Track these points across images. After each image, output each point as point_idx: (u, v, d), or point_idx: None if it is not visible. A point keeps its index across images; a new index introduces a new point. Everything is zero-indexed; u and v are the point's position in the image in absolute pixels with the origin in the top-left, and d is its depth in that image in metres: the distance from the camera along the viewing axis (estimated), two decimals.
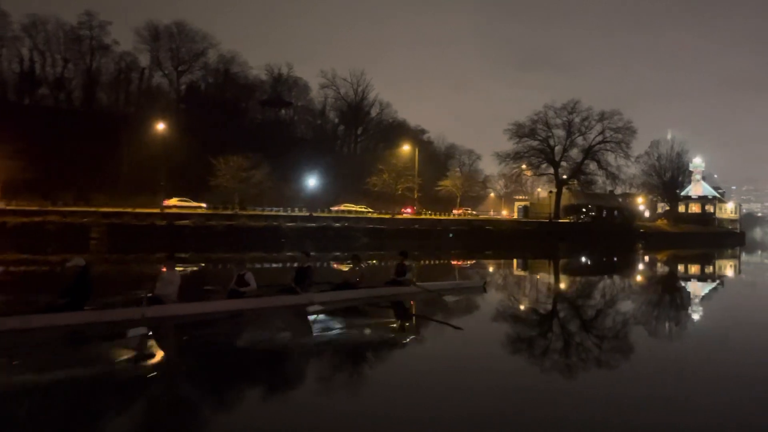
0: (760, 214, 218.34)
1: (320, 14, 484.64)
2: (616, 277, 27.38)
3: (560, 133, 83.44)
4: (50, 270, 23.47)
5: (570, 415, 6.45)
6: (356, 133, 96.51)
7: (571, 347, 10.41)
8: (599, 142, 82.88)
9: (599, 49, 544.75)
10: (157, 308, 10.72)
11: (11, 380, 7.17)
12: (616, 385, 7.81)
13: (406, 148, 75.55)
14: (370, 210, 66.81)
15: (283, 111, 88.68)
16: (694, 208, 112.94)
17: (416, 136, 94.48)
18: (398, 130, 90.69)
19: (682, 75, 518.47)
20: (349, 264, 17.74)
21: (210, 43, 79.75)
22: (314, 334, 10.45)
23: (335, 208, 64.96)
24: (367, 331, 10.85)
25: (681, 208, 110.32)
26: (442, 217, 68.65)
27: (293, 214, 54.72)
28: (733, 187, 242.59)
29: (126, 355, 8.45)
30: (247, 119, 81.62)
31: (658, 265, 38.03)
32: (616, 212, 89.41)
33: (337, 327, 11.05)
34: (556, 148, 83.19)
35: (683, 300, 18.74)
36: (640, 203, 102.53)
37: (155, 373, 7.86)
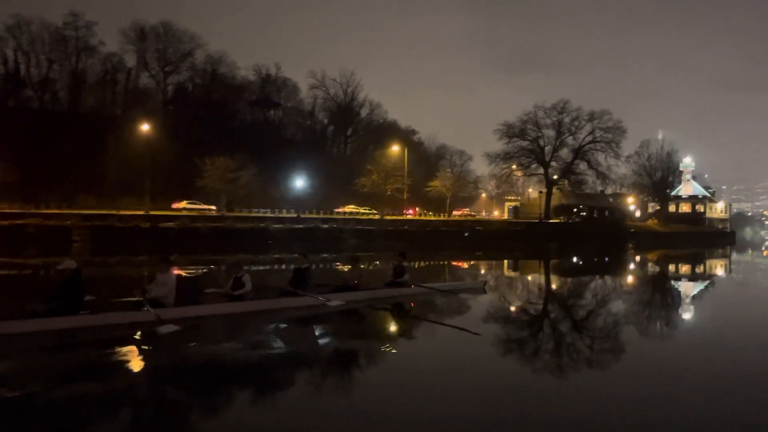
0: (750, 214, 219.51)
1: (309, 15, 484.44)
2: (610, 278, 27.25)
3: (550, 133, 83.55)
4: (33, 274, 22.90)
5: (568, 415, 6.45)
6: (346, 134, 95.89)
7: (571, 348, 10.41)
8: (589, 142, 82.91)
9: (591, 51, 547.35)
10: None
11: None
12: (614, 385, 7.82)
13: (395, 148, 75.11)
14: (374, 211, 66.86)
15: (271, 112, 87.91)
16: (685, 208, 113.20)
17: (407, 136, 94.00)
18: (389, 131, 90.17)
19: (673, 75, 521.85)
20: (347, 265, 17.25)
21: (197, 44, 79.04)
22: (318, 337, 10.45)
23: (339, 210, 65.05)
24: (368, 333, 10.91)
25: (671, 208, 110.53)
26: (432, 218, 68.29)
27: (281, 215, 54.16)
28: (724, 187, 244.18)
29: (149, 356, 8.55)
30: (235, 120, 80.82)
31: (650, 265, 37.91)
32: (606, 212, 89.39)
33: (339, 329, 11.05)
34: (546, 148, 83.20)
35: (679, 300, 18.72)
36: (631, 203, 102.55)
37: (175, 374, 7.92)
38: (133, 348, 9.04)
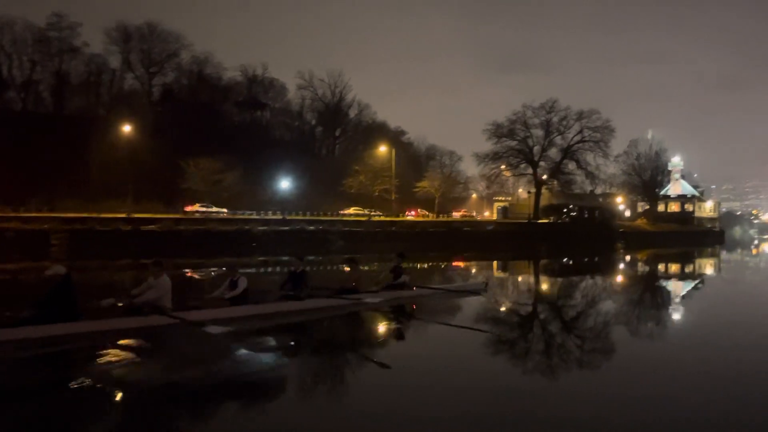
0: (739, 213, 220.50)
1: (296, 16, 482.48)
2: (601, 278, 27.23)
3: (539, 132, 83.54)
4: (12, 279, 22.30)
5: (566, 415, 6.45)
6: (335, 134, 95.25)
7: (572, 347, 10.51)
8: (578, 142, 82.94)
9: (579, 50, 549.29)
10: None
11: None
12: (609, 385, 7.86)
13: (382, 149, 74.65)
14: (379, 213, 66.75)
15: (258, 113, 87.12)
16: (674, 207, 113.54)
17: (396, 137, 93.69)
18: (378, 132, 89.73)
19: (661, 75, 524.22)
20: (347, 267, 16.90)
21: (182, 44, 78.26)
22: (319, 339, 10.40)
23: (343, 212, 64.69)
24: (369, 335, 10.98)
25: (660, 207, 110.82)
26: (420, 219, 67.92)
27: (266, 217, 53.50)
28: (713, 186, 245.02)
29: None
30: (221, 121, 79.99)
31: (640, 265, 38.02)
32: (596, 212, 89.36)
33: (340, 332, 11.07)
34: (535, 148, 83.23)
35: (669, 299, 18.82)
36: (620, 203, 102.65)
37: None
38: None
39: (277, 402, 7.01)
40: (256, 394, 7.19)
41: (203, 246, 40.93)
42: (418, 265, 29.76)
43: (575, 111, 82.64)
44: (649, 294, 20.47)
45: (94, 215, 44.54)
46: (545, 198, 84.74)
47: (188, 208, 55.41)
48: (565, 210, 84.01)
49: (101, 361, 8.21)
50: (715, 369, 8.54)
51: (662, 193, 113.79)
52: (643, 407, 6.68)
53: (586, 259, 40.80)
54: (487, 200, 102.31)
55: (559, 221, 79.72)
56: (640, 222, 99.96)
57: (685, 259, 43.60)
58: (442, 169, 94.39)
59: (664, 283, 25.73)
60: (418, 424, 6.17)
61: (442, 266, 32.11)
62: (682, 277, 28.98)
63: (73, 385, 7.16)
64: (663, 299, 18.94)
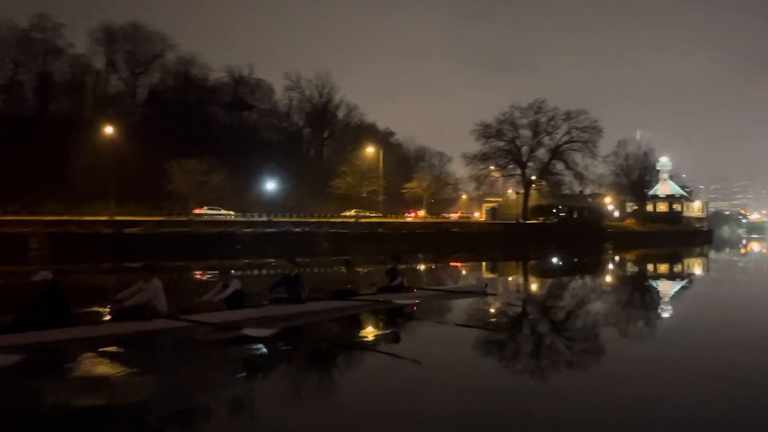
0: (727, 213, 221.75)
1: (282, 17, 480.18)
2: (593, 279, 27.13)
3: (527, 133, 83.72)
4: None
5: (562, 415, 6.40)
6: (323, 136, 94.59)
7: (570, 348, 10.48)
8: (566, 142, 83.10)
9: (567, 51, 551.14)
10: (207, 315, 10.46)
11: None
12: (602, 384, 7.83)
13: (370, 149, 74.23)
14: (380, 214, 67.21)
15: (245, 114, 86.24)
16: (662, 207, 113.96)
17: (385, 138, 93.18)
18: (366, 133, 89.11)
19: (649, 75, 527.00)
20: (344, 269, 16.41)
21: (168, 45, 77.21)
22: (321, 343, 10.19)
23: (344, 214, 64.73)
24: (374, 337, 10.88)
25: (649, 208, 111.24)
26: (407, 220, 67.57)
27: (252, 219, 52.96)
28: (701, 187, 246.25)
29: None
30: (208, 123, 79.24)
31: (630, 265, 38.11)
32: (585, 213, 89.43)
33: (342, 335, 10.98)
34: (523, 149, 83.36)
35: (659, 299, 18.93)
36: (609, 203, 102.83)
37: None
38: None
39: (278, 402, 6.98)
40: (256, 395, 7.21)
41: (186, 249, 40.35)
42: (407, 266, 29.45)
43: (563, 111, 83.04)
44: (640, 294, 20.59)
45: (75, 218, 43.82)
46: (534, 199, 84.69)
47: (196, 211, 55.36)
48: (554, 210, 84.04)
49: (94, 366, 8.12)
50: (707, 369, 8.49)
51: (651, 193, 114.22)
52: (637, 407, 6.65)
53: (575, 260, 40.75)
54: (478, 201, 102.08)
55: (548, 222, 79.65)
56: (629, 222, 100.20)
57: (673, 259, 43.58)
58: (432, 170, 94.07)
59: (654, 283, 25.77)
60: (424, 423, 6.13)
61: (434, 267, 31.84)
62: (671, 277, 29.14)
63: (67, 389, 7.12)
64: (656, 299, 18.96)
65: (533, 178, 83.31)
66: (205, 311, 10.79)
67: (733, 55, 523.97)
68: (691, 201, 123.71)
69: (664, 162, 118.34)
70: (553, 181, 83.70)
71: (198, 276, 24.96)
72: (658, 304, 17.70)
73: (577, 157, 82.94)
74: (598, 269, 33.19)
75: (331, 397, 7.22)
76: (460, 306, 14.29)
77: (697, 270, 34.48)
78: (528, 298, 18.28)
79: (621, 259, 42.62)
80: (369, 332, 11.47)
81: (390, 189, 75.43)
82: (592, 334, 11.79)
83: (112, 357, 8.56)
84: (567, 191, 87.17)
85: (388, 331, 11.44)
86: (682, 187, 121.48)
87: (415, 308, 13.38)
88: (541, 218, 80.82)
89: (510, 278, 27.12)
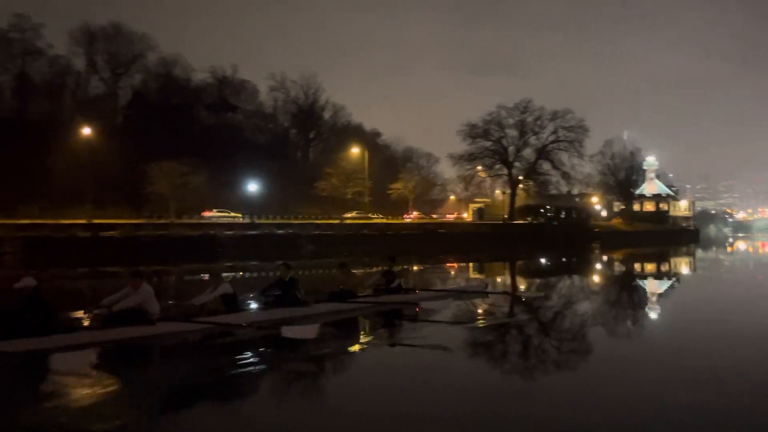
0: (714, 212, 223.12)
1: (267, 16, 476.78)
2: (582, 279, 27.27)
3: (513, 133, 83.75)
4: None
5: (566, 415, 6.40)
6: (308, 137, 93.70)
7: (575, 348, 10.54)
8: (552, 142, 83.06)
9: (554, 53, 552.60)
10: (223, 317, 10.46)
11: None
12: (596, 384, 7.85)
13: (355, 150, 73.56)
14: (380, 215, 67.23)
15: (229, 114, 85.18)
16: (649, 207, 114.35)
17: (372, 139, 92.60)
18: (353, 134, 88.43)
19: (635, 76, 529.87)
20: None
21: (149, 45, 76.03)
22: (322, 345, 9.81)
23: (345, 215, 64.57)
24: (380, 338, 11.02)
25: (636, 207, 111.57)
26: (394, 221, 66.98)
27: (233, 221, 52.10)
28: (688, 186, 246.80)
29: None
30: (191, 124, 78.17)
31: (618, 264, 38.43)
32: (573, 212, 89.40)
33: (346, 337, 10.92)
34: (510, 149, 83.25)
35: (649, 299, 19.01)
36: (596, 203, 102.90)
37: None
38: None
39: (279, 403, 7.05)
40: (257, 395, 7.31)
41: (165, 252, 39.53)
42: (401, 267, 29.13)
43: (549, 111, 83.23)
44: (630, 294, 20.82)
45: (51, 222, 42.81)
46: (522, 199, 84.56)
47: (205, 213, 54.96)
48: (542, 210, 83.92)
49: (86, 373, 7.91)
50: (695, 369, 8.46)
51: (637, 192, 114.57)
52: (632, 407, 6.66)
53: (563, 260, 40.84)
54: (466, 202, 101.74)
55: (535, 222, 79.47)
56: (616, 222, 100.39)
57: (660, 258, 43.74)
58: (420, 171, 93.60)
59: (643, 282, 25.90)
60: (425, 423, 6.14)
61: (424, 268, 31.45)
62: (659, 276, 29.35)
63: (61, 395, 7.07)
64: (646, 299, 19.01)
65: (520, 178, 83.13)
66: (202, 314, 10.61)
67: (718, 55, 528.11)
68: (678, 200, 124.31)
69: (650, 161, 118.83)
70: (540, 181, 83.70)
71: (184, 279, 24.74)
72: (647, 304, 17.64)
73: (564, 157, 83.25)
74: (586, 269, 33.30)
75: (334, 398, 7.15)
76: (463, 306, 14.29)
77: (684, 269, 34.74)
78: (528, 298, 18.06)
79: (608, 259, 42.83)
80: (372, 333, 11.56)
81: (377, 190, 74.79)
82: (590, 333, 11.97)
83: (116, 362, 8.56)
84: (554, 191, 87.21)
85: (392, 333, 11.49)
86: (669, 187, 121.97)
87: (417, 309, 13.26)
88: (528, 218, 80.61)
89: (499, 278, 26.96)
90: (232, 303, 11.16)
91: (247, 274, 27.16)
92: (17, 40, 71.32)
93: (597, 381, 8.01)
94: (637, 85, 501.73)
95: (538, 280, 25.90)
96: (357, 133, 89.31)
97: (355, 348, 10.17)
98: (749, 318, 13.47)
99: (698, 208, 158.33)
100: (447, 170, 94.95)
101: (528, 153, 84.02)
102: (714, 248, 63.80)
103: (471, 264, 36.07)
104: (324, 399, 7.17)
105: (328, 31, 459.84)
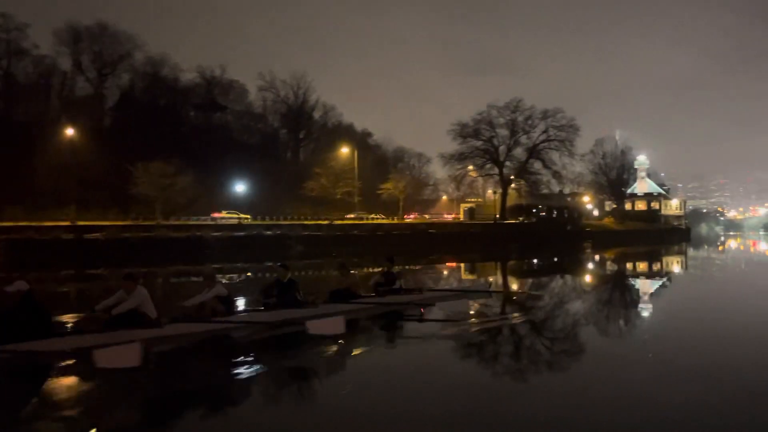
0: (705, 210, 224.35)
1: (257, 15, 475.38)
2: (576, 279, 27.11)
3: (504, 132, 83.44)
4: None
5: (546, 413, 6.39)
6: (298, 137, 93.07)
7: (582, 347, 10.38)
8: (543, 141, 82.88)
9: (546, 53, 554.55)
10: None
11: None
12: (590, 384, 7.79)
13: (344, 150, 73.06)
14: (382, 216, 67.27)
15: (218, 114, 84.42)
16: (640, 206, 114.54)
17: (363, 139, 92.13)
18: (344, 134, 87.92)
19: (627, 75, 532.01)
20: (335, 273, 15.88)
21: (135, 44, 74.88)
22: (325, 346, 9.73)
23: (348, 216, 64.19)
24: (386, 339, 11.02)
25: (627, 206, 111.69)
26: (384, 222, 66.52)
27: (221, 223, 51.50)
28: (679, 185, 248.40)
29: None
30: (179, 125, 77.39)
31: (611, 264, 38.32)
32: (565, 212, 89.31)
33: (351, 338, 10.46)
34: (500, 148, 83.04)
35: (640, 298, 18.95)
36: (587, 202, 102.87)
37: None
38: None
39: (281, 403, 7.07)
40: (256, 397, 7.28)
41: (151, 254, 38.95)
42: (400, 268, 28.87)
43: (540, 110, 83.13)
44: (625, 293, 20.93)
45: (35, 224, 42.07)
46: (514, 198, 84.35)
47: (215, 215, 54.66)
48: (533, 210, 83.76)
49: (82, 377, 7.87)
50: (688, 368, 8.45)
51: (629, 191, 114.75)
52: (626, 406, 6.65)
53: (555, 260, 40.73)
54: (458, 202, 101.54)
55: (527, 221, 79.23)
56: (608, 221, 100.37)
57: (652, 257, 43.63)
58: (411, 171, 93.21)
59: (635, 282, 25.85)
60: (427, 423, 6.13)
61: (414, 269, 30.96)
62: (651, 275, 29.25)
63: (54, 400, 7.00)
64: (636, 298, 19.05)
65: (511, 177, 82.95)
66: (201, 317, 10.49)
67: (709, 54, 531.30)
68: (669, 199, 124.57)
69: (641, 160, 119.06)
70: (531, 181, 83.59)
71: (171, 281, 24.51)
72: (640, 303, 17.60)
73: (555, 156, 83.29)
74: (579, 269, 33.22)
75: (336, 399, 7.05)
76: (467, 306, 14.13)
77: (676, 268, 34.66)
78: (530, 297, 17.88)
79: (600, 258, 42.73)
80: (377, 334, 11.51)
81: (368, 190, 74.27)
82: (595, 332, 12.06)
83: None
84: (546, 191, 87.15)
85: (397, 333, 11.43)
86: (660, 186, 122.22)
87: (422, 310, 13.21)
88: (520, 218, 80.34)
89: (491, 278, 26.40)
90: (230, 304, 11.12)
91: (238, 276, 26.66)
92: (2, 40, 70.24)
93: (600, 380, 7.92)
94: (629, 85, 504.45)
95: (530, 280, 25.66)
96: (348, 133, 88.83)
97: (360, 349, 10.02)
98: (741, 317, 13.43)
99: (690, 207, 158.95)
100: (439, 170, 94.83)
101: (519, 152, 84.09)
102: (705, 247, 63.86)
103: (462, 264, 35.73)
104: (326, 400, 7.09)
105: (318, 31, 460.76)
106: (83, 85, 76.14)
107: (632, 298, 19.24)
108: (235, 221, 54.55)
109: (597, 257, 44.26)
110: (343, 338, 10.12)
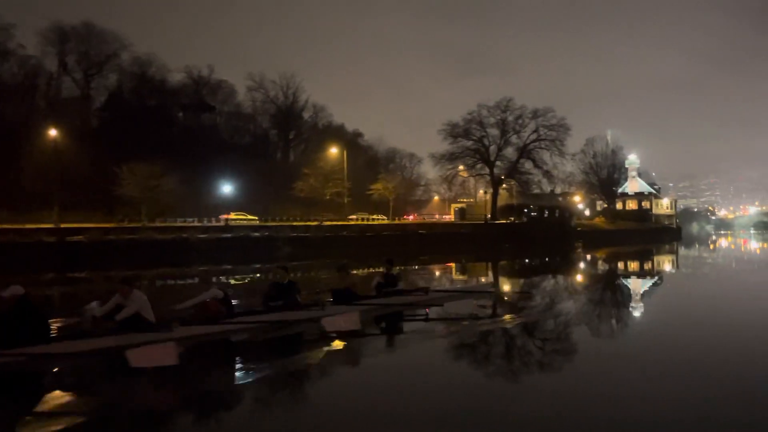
0: (696, 210, 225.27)
1: (246, 15, 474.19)
2: (569, 279, 26.93)
3: (494, 132, 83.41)
4: None
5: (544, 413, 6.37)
6: (288, 137, 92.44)
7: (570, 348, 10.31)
8: (534, 140, 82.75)
9: (538, 54, 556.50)
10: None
11: None
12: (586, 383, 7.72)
13: (333, 150, 72.55)
14: (383, 217, 67.59)
15: (207, 115, 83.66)
16: (631, 205, 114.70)
17: (353, 139, 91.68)
18: (334, 134, 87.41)
19: (618, 75, 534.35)
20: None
21: (122, 44, 74.05)
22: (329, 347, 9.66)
23: (351, 217, 64.17)
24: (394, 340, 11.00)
25: (618, 205, 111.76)
26: (374, 222, 66.08)
27: (208, 224, 50.89)
28: (670, 184, 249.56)
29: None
30: (168, 126, 76.65)
31: (602, 263, 38.28)
32: (556, 212, 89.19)
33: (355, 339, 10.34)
34: (491, 148, 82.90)
35: (633, 297, 18.93)
36: (579, 202, 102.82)
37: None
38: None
39: (281, 404, 7.03)
40: (256, 397, 7.22)
41: (136, 256, 38.42)
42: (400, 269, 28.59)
43: (530, 109, 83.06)
44: (622, 293, 20.95)
45: (17, 226, 41.36)
46: (504, 198, 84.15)
47: (223, 216, 54.89)
48: (525, 210, 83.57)
49: (81, 383, 7.87)
50: (684, 363, 8.53)
51: (620, 191, 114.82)
52: (632, 406, 6.58)
53: (547, 259, 40.68)
54: (449, 202, 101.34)
55: (518, 221, 79.00)
56: (599, 220, 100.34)
57: (644, 256, 43.66)
58: (402, 171, 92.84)
59: (628, 281, 25.75)
60: (427, 424, 6.10)
61: (416, 269, 30.82)
62: (643, 275, 29.25)
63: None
64: (630, 298, 19.03)
65: (502, 177, 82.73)
66: (204, 320, 10.34)
67: (700, 55, 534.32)
68: (660, 198, 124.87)
69: (632, 159, 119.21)
70: (522, 180, 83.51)
71: (156, 284, 23.95)
72: (634, 303, 17.53)
73: (545, 156, 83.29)
74: (571, 269, 33.20)
75: (339, 399, 7.06)
76: (473, 306, 14.11)
77: (668, 267, 34.77)
78: (527, 297, 17.70)
79: (592, 258, 42.75)
80: (380, 334, 11.51)
81: (359, 191, 73.77)
82: (599, 333, 11.99)
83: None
84: (537, 190, 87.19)
85: (401, 334, 11.42)
86: (651, 185, 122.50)
87: (427, 310, 13.25)
88: (511, 218, 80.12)
89: (484, 279, 26.81)
90: (230, 306, 11.04)
91: (221, 278, 26.17)
92: None
93: (605, 380, 7.86)
94: (619, 85, 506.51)
95: (530, 280, 25.35)
96: (338, 134, 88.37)
97: (366, 350, 9.91)
98: (734, 314, 13.45)
99: (681, 206, 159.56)
100: (430, 171, 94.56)
101: (509, 152, 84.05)
102: (697, 246, 63.99)
103: (453, 265, 35.32)
104: (327, 400, 7.03)
105: (308, 32, 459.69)
106: (69, 85, 75.31)
107: (632, 298, 19.02)
108: (246, 222, 54.84)
109: (588, 257, 44.22)
110: (350, 339, 10.04)
